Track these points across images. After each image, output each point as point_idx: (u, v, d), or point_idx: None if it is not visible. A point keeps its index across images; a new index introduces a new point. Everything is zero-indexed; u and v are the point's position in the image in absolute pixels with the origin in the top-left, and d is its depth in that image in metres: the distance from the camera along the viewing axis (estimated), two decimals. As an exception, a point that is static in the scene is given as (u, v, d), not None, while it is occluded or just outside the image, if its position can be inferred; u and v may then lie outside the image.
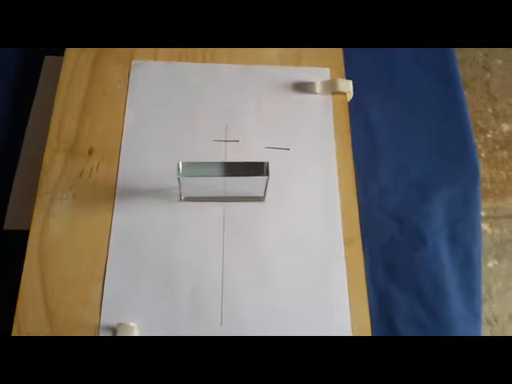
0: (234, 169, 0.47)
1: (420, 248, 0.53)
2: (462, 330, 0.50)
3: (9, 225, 0.51)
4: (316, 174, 0.53)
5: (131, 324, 0.45)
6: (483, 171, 1.06)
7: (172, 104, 0.55)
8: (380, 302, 0.51)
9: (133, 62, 0.57)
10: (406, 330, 0.50)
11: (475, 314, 0.52)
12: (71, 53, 0.57)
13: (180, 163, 0.46)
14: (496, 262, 0.95)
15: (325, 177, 0.53)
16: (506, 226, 1.01)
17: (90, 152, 0.52)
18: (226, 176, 0.46)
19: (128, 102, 0.55)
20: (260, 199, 0.50)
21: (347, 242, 0.50)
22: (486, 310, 0.90)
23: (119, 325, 0.45)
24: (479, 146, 1.10)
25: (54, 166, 0.51)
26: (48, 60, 0.61)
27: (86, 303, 0.46)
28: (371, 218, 0.54)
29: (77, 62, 0.56)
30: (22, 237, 0.48)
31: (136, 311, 0.46)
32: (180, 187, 0.48)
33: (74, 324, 0.45)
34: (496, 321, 0.90)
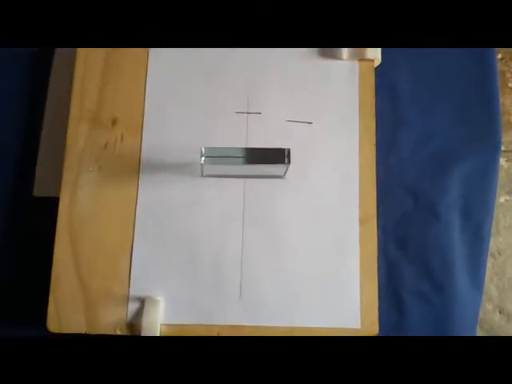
0: (255, 156, 0.47)
1: (433, 223, 0.55)
2: (463, 303, 0.54)
3: (37, 191, 0.54)
4: (337, 149, 0.53)
5: (157, 298, 0.49)
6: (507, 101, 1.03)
7: (193, 74, 0.54)
8: (389, 274, 0.54)
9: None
10: (411, 302, 0.54)
11: (478, 287, 0.55)
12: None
13: (203, 150, 0.46)
14: (508, 197, 0.97)
15: (346, 152, 0.53)
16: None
17: (114, 122, 0.52)
18: (247, 164, 0.47)
19: (149, 69, 0.54)
20: (280, 177, 0.52)
21: (362, 221, 0.52)
22: (492, 243, 0.93)
23: (147, 298, 0.49)
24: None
25: (79, 137, 0.52)
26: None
27: (116, 275, 0.49)
28: (388, 191, 0.55)
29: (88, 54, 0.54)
30: (51, 203, 0.51)
31: (162, 285, 0.49)
32: (202, 168, 0.49)
33: (105, 295, 0.49)
34: (500, 254, 0.95)
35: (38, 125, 0.56)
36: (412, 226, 0.55)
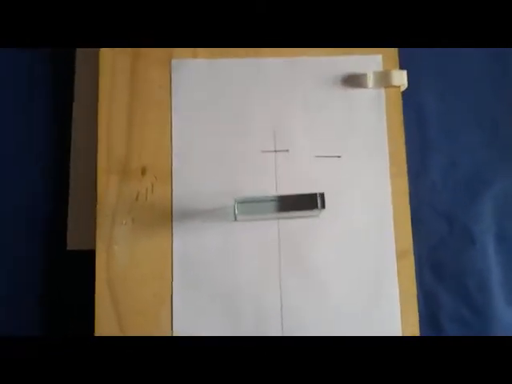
0: (288, 204, 0.47)
1: (468, 248, 0.54)
2: (502, 325, 0.53)
3: (71, 245, 0.54)
4: (368, 181, 0.53)
5: (202, 347, 0.49)
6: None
7: (218, 109, 0.53)
8: (427, 301, 0.54)
9: (173, 62, 0.54)
10: (451, 328, 0.53)
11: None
12: (106, 58, 0.54)
13: (236, 203, 0.46)
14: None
15: (377, 184, 0.52)
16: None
17: (143, 172, 0.52)
18: (279, 212, 0.47)
19: (173, 109, 0.53)
20: (314, 216, 0.51)
21: (400, 255, 0.51)
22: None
23: (191, 348, 0.49)
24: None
25: (110, 189, 0.52)
26: (79, 55, 0.57)
27: (158, 327, 0.50)
28: (421, 218, 0.54)
29: (114, 69, 0.54)
30: (84, 256, 0.52)
31: (204, 334, 0.50)
32: (235, 214, 0.49)
33: (150, 347, 0.50)
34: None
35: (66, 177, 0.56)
36: (447, 252, 0.54)
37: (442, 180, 0.56)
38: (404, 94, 0.54)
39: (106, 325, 0.50)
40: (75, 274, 0.53)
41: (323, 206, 0.46)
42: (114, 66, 0.54)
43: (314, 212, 0.48)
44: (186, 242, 0.51)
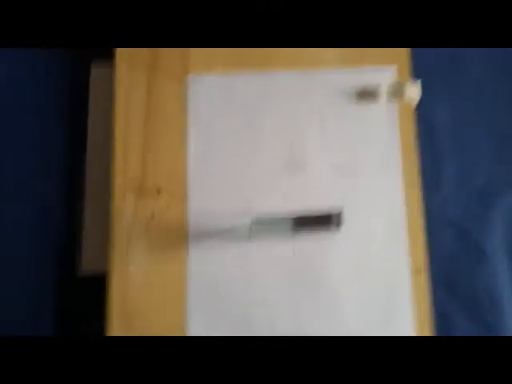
0: (304, 224, 0.47)
1: (481, 263, 0.54)
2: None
3: (84, 269, 0.54)
4: (382, 196, 0.53)
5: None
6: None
7: (233, 125, 0.54)
8: (440, 318, 0.53)
9: (189, 78, 0.54)
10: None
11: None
12: (121, 74, 0.54)
13: (250, 224, 0.47)
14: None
15: (391, 199, 0.53)
16: None
17: (159, 190, 0.53)
18: (295, 231, 0.47)
19: (189, 125, 0.54)
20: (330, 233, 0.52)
21: (414, 272, 0.52)
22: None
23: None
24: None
25: (125, 209, 0.52)
26: (95, 70, 0.58)
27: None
28: (433, 231, 0.54)
29: (129, 85, 0.54)
30: (97, 282, 0.51)
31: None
32: (250, 235, 0.49)
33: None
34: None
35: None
36: (460, 267, 0.55)
37: (455, 193, 0.56)
38: (416, 105, 0.55)
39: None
40: (85, 300, 0.53)
41: (339, 225, 0.47)
42: (130, 81, 0.54)
43: (330, 231, 0.49)
44: (201, 261, 0.51)
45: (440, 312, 0.54)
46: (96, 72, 0.58)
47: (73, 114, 0.58)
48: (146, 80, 0.54)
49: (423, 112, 0.55)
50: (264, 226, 0.47)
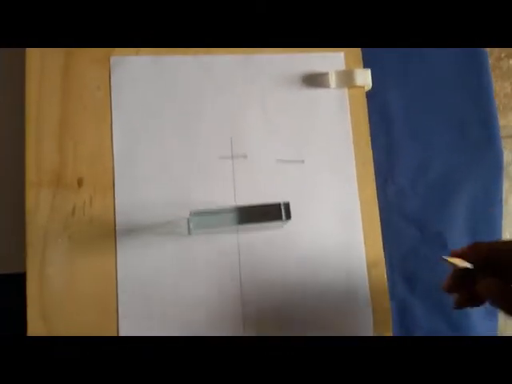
0: (249, 215, 0.42)
1: (442, 254, 0.51)
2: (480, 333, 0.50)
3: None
4: (334, 188, 0.48)
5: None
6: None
7: (165, 112, 0.48)
8: (400, 313, 0.50)
9: (112, 60, 0.48)
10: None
11: (491, 318, 0.51)
12: (34, 57, 0.47)
13: (189, 217, 0.41)
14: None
15: (344, 190, 0.48)
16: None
17: (80, 183, 0.45)
18: (240, 224, 0.41)
19: (114, 114, 0.47)
20: (277, 226, 0.46)
21: (371, 265, 0.47)
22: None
23: None
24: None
25: (41, 204, 0.45)
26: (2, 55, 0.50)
27: (102, 361, 0.43)
28: (390, 225, 0.50)
29: (43, 68, 0.47)
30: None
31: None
32: (190, 228, 0.43)
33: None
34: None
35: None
36: (420, 260, 0.51)
37: (411, 184, 0.52)
38: (368, 94, 0.51)
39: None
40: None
41: (288, 217, 0.41)
42: (43, 66, 0.47)
43: (278, 223, 0.43)
44: (132, 260, 0.45)
45: (400, 302, 0.50)
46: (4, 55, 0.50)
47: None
48: (62, 63, 0.47)
49: (376, 101, 0.51)
50: (205, 219, 0.41)
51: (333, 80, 0.49)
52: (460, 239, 0.51)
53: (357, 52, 0.51)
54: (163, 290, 0.45)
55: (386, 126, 0.53)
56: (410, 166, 0.52)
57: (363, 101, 0.50)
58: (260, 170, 0.48)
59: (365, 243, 0.47)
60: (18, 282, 0.44)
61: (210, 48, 0.49)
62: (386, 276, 0.48)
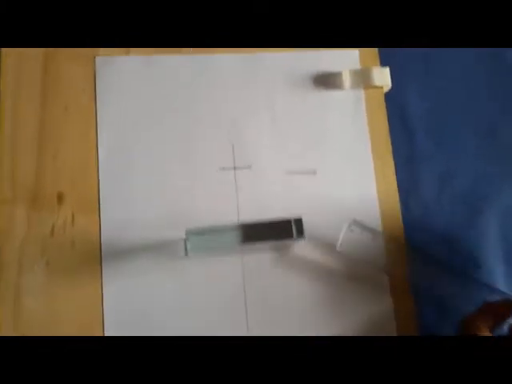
0: (255, 233, 0.36)
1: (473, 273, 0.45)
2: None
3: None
4: (351, 202, 0.42)
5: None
6: None
7: (159, 119, 0.42)
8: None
9: (97, 60, 0.43)
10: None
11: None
12: (9, 58, 0.42)
13: (186, 236, 0.35)
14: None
15: (363, 205, 0.42)
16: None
17: (60, 199, 0.40)
18: (244, 244, 0.36)
19: (99, 118, 0.42)
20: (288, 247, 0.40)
21: (393, 291, 0.41)
22: None
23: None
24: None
25: (15, 225, 0.39)
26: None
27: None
28: (415, 241, 0.44)
29: (20, 71, 0.42)
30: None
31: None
32: (187, 250, 0.37)
33: None
34: None
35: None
36: (449, 281, 0.45)
37: (436, 197, 0.46)
38: (387, 95, 0.46)
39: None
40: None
41: (301, 235, 0.36)
42: (20, 68, 0.42)
43: (288, 242, 0.37)
44: (120, 289, 0.39)
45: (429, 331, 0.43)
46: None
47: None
48: (41, 64, 0.42)
49: (395, 103, 0.46)
50: (204, 239, 0.35)
51: (347, 80, 0.44)
52: (494, 260, 0.45)
53: (373, 49, 0.45)
54: (156, 324, 0.39)
55: (407, 132, 0.47)
56: (433, 176, 0.46)
57: (382, 103, 0.44)
58: (266, 183, 0.42)
59: (387, 264, 0.41)
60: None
61: (210, 48, 0.44)
62: (412, 301, 0.42)
